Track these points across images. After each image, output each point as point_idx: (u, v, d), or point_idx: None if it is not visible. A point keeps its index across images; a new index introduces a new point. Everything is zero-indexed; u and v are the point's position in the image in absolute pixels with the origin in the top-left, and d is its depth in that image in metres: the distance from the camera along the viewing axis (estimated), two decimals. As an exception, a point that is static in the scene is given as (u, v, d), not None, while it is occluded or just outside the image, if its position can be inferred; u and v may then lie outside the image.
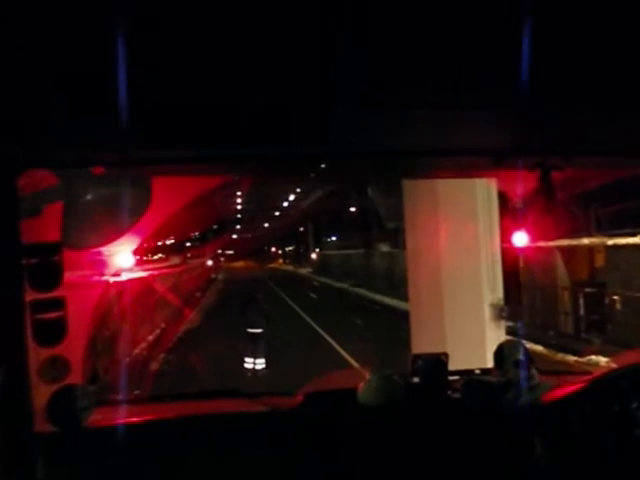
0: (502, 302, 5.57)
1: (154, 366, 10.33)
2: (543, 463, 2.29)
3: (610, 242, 11.26)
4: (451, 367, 2.74)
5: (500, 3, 1.44)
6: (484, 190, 5.44)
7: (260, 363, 10.04)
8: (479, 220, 5.48)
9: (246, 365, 9.96)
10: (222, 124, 1.74)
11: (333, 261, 41.91)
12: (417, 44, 1.46)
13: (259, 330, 10.18)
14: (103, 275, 4.77)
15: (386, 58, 1.48)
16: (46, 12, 1.33)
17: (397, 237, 23.50)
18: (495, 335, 5.40)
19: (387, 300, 21.48)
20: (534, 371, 2.62)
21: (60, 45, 1.37)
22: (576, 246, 12.17)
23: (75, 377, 2.52)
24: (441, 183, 5.24)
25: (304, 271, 48.83)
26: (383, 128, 1.82)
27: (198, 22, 1.38)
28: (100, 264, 4.39)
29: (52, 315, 1.96)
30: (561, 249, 12.45)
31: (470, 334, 5.35)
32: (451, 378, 2.72)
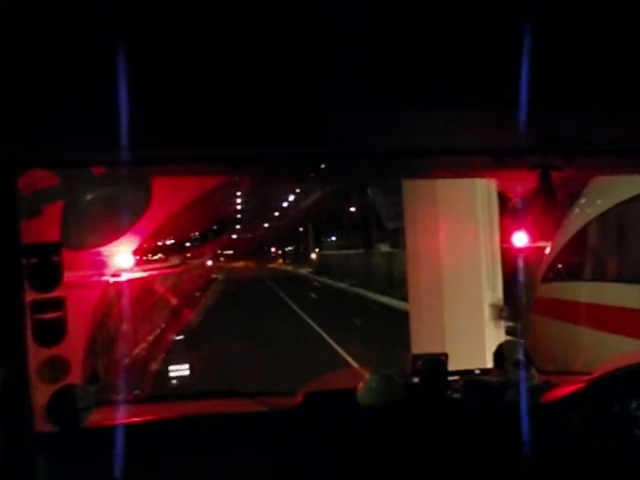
0: (502, 302, 5.58)
1: (154, 366, 10.32)
2: (543, 463, 2.29)
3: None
4: (451, 367, 2.74)
5: (500, 3, 1.44)
6: (484, 190, 5.44)
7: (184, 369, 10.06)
8: (479, 220, 5.48)
9: (172, 374, 9.86)
10: (222, 124, 1.74)
11: (333, 261, 41.94)
12: (417, 44, 1.46)
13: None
14: (103, 275, 4.77)
15: (386, 58, 1.48)
16: (46, 12, 1.33)
17: (397, 237, 23.52)
18: (495, 335, 5.40)
19: (387, 300, 21.48)
20: (534, 371, 2.62)
21: (60, 45, 1.37)
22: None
23: (75, 377, 2.52)
24: (441, 183, 5.25)
25: (304, 271, 48.88)
26: (383, 128, 1.82)
27: (198, 22, 1.38)
28: (100, 264, 4.38)
29: (52, 315, 1.96)
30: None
31: (470, 334, 5.36)
32: (451, 378, 2.72)
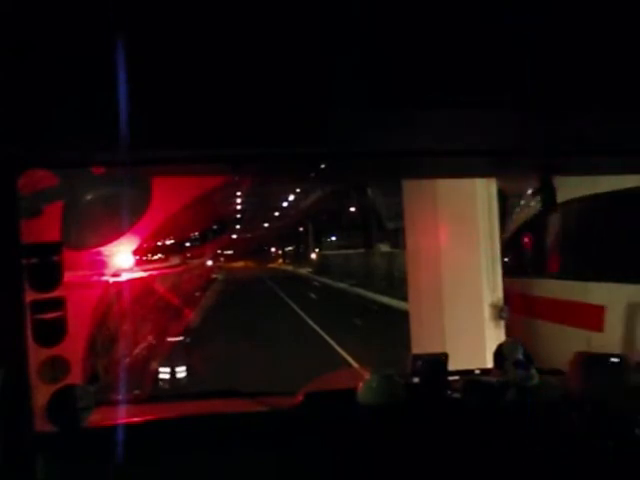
0: (502, 302, 5.57)
1: (154, 366, 10.31)
2: (543, 463, 2.29)
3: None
4: (451, 367, 2.74)
5: (500, 3, 1.44)
6: (484, 190, 5.43)
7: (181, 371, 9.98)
8: (479, 220, 5.47)
9: (161, 376, 9.80)
10: (222, 124, 1.74)
11: (333, 261, 41.94)
12: (417, 44, 1.46)
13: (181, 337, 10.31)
14: (103, 275, 4.77)
15: (386, 58, 1.48)
16: (46, 12, 1.33)
17: (397, 237, 23.54)
18: (495, 335, 5.39)
19: (387, 300, 21.48)
20: (534, 371, 2.62)
21: (60, 45, 1.37)
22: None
23: (75, 377, 2.52)
24: (441, 183, 5.24)
25: (304, 271, 48.91)
26: (383, 128, 1.82)
27: (198, 22, 1.38)
28: (100, 264, 4.38)
29: (52, 315, 1.96)
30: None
31: (470, 334, 5.35)
32: (451, 378, 2.72)
